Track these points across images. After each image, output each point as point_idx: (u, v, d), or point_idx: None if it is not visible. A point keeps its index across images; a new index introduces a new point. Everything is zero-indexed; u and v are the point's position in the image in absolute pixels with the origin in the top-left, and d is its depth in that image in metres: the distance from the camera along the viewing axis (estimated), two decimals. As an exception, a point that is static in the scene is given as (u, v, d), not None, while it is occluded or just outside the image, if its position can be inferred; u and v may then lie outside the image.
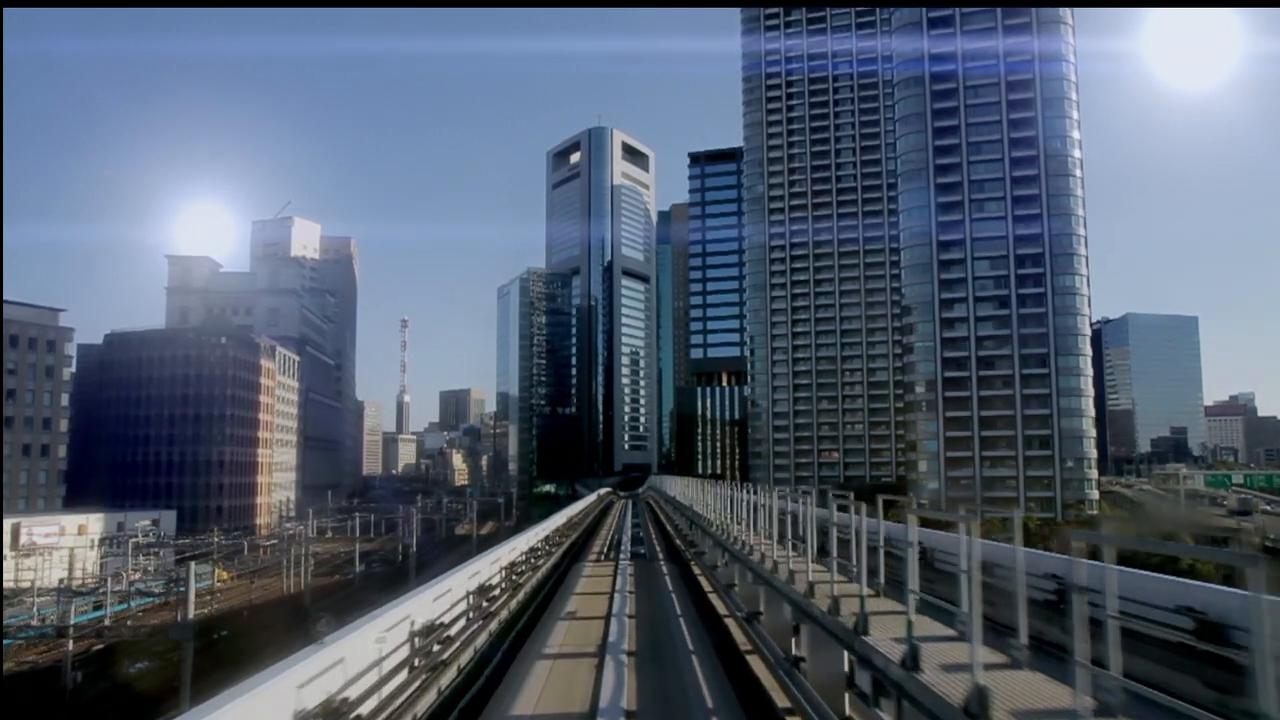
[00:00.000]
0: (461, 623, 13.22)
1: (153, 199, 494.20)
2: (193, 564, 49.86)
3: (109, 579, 59.75)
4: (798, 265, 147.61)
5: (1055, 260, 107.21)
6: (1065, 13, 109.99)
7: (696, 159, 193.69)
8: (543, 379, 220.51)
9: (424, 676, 10.39)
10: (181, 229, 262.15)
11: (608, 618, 18.97)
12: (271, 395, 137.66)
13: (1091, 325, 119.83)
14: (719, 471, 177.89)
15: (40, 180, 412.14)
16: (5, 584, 61.03)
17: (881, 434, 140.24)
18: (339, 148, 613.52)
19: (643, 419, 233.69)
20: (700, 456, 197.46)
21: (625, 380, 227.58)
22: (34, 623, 53.41)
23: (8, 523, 71.67)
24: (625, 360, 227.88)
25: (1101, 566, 5.48)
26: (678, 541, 42.58)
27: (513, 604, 19.37)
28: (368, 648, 8.65)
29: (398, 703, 9.24)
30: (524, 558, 23.56)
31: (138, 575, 69.42)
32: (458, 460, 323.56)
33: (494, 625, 16.06)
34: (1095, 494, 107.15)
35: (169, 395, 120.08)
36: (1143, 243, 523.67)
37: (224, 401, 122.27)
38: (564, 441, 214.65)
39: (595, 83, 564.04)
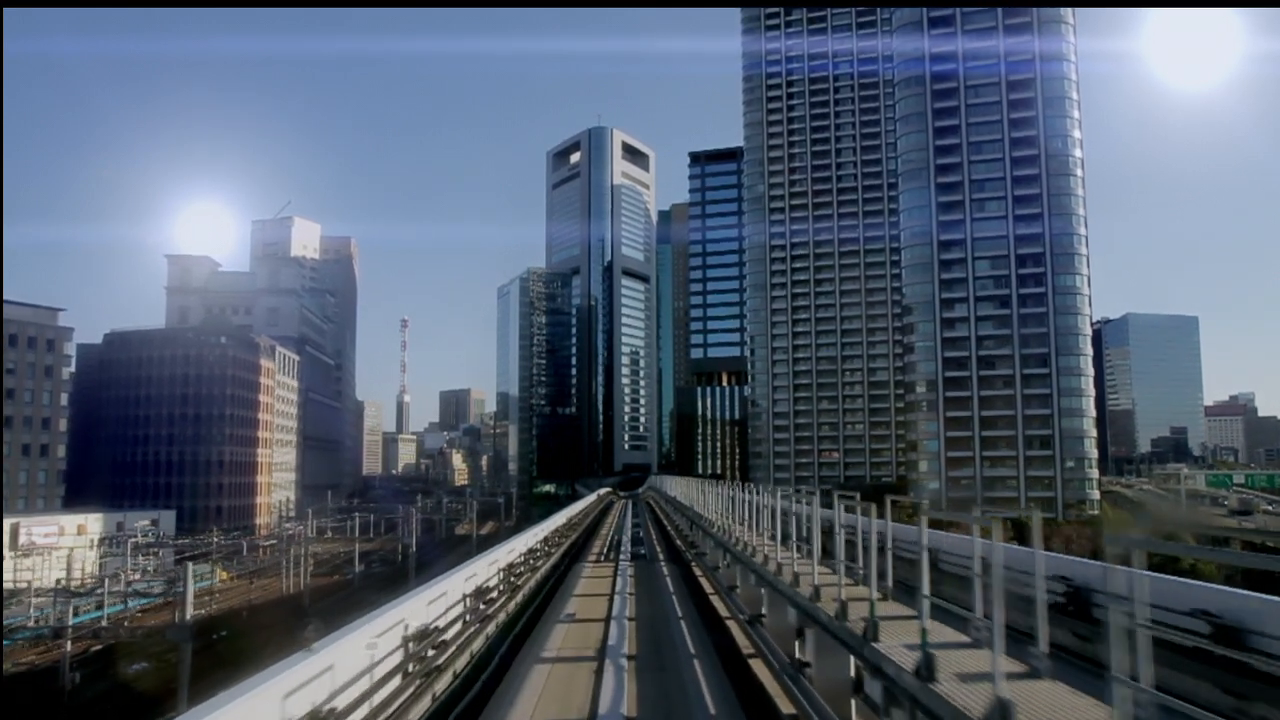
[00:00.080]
0: (458, 626, 12.94)
1: (153, 199, 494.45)
2: (190, 564, 49.53)
3: (106, 580, 59.43)
4: (798, 265, 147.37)
5: (1056, 260, 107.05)
6: (1066, 13, 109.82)
7: (696, 159, 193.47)
8: (543, 379, 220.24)
9: (418, 683, 10.11)
10: (181, 229, 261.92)
11: (607, 620, 18.71)
12: (271, 395, 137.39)
13: (1092, 325, 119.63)
14: (719, 471, 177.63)
15: (40, 180, 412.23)
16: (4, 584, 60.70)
17: (882, 434, 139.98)
18: (339, 148, 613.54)
19: (643, 419, 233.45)
20: (700, 456, 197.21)
21: (625, 380, 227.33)
22: (30, 624, 53.13)
23: (7, 523, 71.36)
24: (625, 360, 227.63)
25: (1124, 571, 5.19)
26: (678, 542, 42.33)
27: (511, 606, 19.09)
28: (359, 654, 8.36)
29: (390, 710, 8.95)
30: (522, 559, 23.28)
31: (137, 575, 69.15)
32: (458, 460, 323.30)
33: (491, 629, 15.76)
34: (1096, 494, 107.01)
35: (168, 395, 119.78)
36: (1143, 243, 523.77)
37: (223, 401, 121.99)
38: (564, 441, 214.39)
39: (595, 83, 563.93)
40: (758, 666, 15.08)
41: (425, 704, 10.32)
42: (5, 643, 47.32)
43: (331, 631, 8.62)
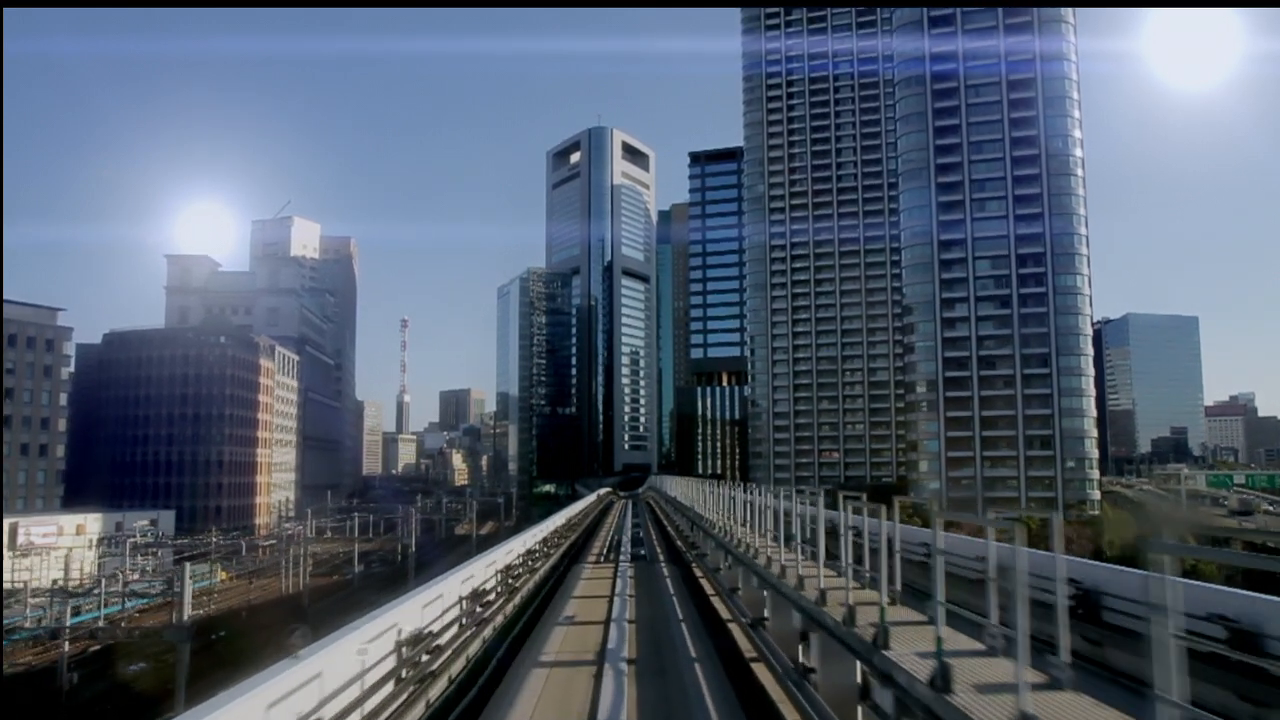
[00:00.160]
0: (454, 630, 12.65)
1: (153, 199, 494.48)
2: (188, 565, 49.21)
3: (103, 580, 59.16)
4: (798, 265, 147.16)
5: (1056, 260, 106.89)
6: (1066, 12, 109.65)
7: (696, 159, 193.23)
8: (543, 379, 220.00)
9: (411, 689, 9.82)
10: (181, 229, 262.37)
11: (607, 622, 18.43)
12: (271, 395, 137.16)
13: (1092, 325, 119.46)
14: (719, 471, 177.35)
15: (40, 180, 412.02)
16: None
17: (882, 434, 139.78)
18: (339, 148, 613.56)
19: (643, 419, 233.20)
20: (700, 456, 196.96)
21: (625, 380, 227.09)
22: (26, 624, 52.87)
23: (5, 523, 71.08)
24: (625, 360, 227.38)
25: (1138, 574, 4.90)
26: (678, 542, 42.08)
27: (509, 608, 18.81)
28: (349, 660, 8.06)
29: (382, 718, 8.66)
30: (520, 560, 23.00)
31: (135, 576, 68.85)
32: (458, 460, 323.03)
33: (488, 632, 15.48)
34: (1096, 494, 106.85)
35: (168, 395, 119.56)
36: (1143, 243, 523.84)
37: (223, 401, 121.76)
38: (564, 441, 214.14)
39: (595, 83, 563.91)
40: (760, 671, 14.80)
41: (419, 711, 10.04)
42: (3, 643, 47.11)
43: (320, 638, 8.35)
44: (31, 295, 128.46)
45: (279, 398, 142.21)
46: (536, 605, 22.08)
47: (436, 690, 10.94)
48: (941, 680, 6.31)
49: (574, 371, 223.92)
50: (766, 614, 16.96)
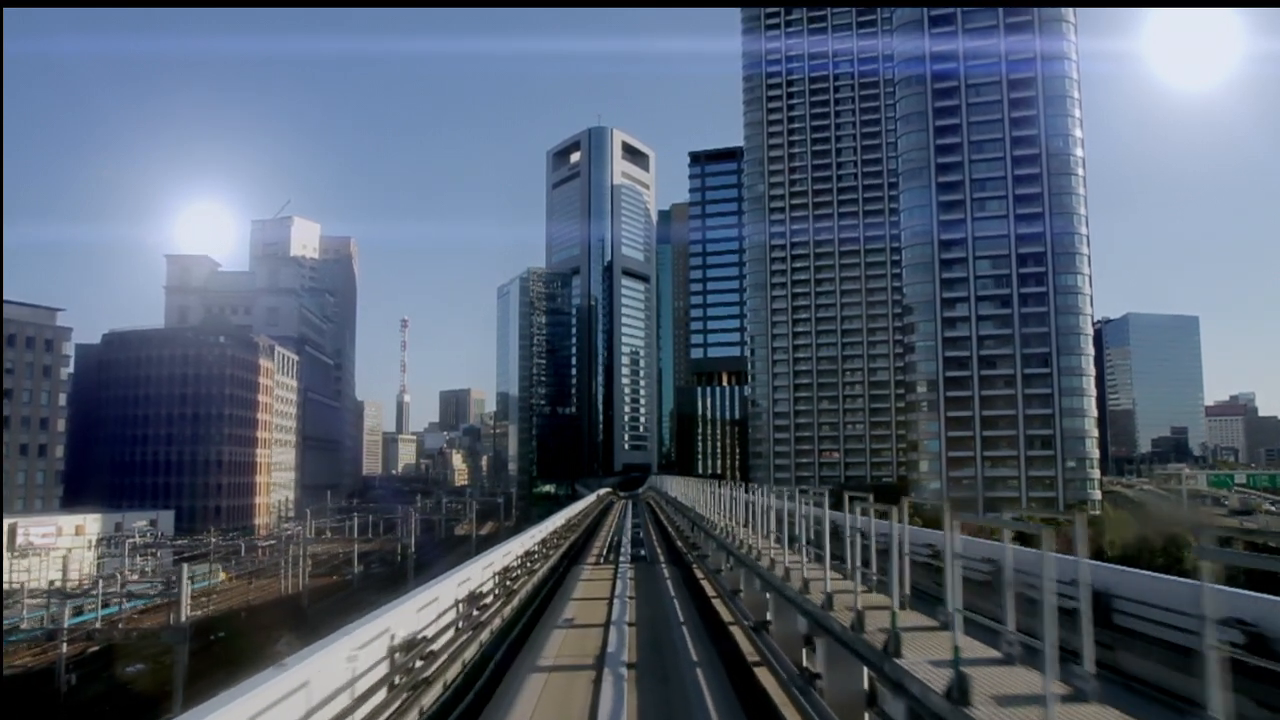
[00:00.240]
0: (449, 634, 12.36)
1: (153, 199, 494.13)
2: (186, 565, 48.91)
3: (100, 580, 58.85)
4: (798, 265, 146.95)
5: (1057, 260, 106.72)
6: (1067, 12, 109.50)
7: (696, 158, 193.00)
8: (543, 379, 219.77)
9: (405, 695, 9.53)
10: (181, 229, 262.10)
11: (606, 625, 18.16)
12: (270, 395, 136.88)
13: (1092, 325, 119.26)
14: (719, 471, 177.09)
15: (40, 180, 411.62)
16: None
17: (882, 434, 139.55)
18: (339, 148, 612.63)
19: (643, 419, 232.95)
20: (700, 456, 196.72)
21: (625, 380, 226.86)
22: (23, 625, 52.58)
23: (5, 523, 70.80)
24: (625, 360, 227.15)
25: (1147, 576, 4.61)
26: (679, 543, 41.82)
27: (506, 611, 18.52)
28: (338, 667, 7.77)
29: None
30: (519, 562, 22.71)
31: (134, 576, 68.54)
32: (458, 460, 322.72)
33: (485, 635, 15.19)
34: (1097, 494, 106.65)
35: (167, 395, 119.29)
36: (1143, 243, 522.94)
37: (222, 401, 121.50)
38: (564, 441, 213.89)
39: (595, 83, 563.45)
40: (764, 675, 14.52)
41: (412, 718, 9.75)
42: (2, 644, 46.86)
43: (315, 641, 8.06)
44: (31, 295, 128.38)
45: (279, 398, 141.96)
46: (535, 607, 21.81)
47: (431, 697, 10.65)
48: (959, 692, 5.97)
49: (574, 371, 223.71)
50: (769, 617, 16.68)
